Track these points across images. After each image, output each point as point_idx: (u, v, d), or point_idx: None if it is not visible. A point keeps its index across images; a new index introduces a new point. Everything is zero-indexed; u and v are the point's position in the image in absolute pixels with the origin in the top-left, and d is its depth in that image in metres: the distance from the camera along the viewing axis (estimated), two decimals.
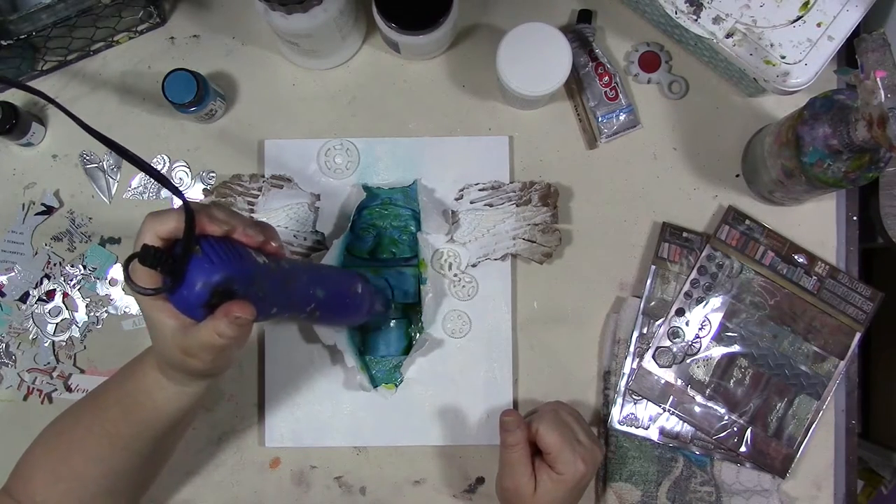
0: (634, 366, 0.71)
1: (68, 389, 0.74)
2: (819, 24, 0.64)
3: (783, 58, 0.64)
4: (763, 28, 0.65)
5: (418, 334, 0.73)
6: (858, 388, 0.73)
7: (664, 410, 0.71)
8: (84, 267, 0.75)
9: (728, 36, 0.65)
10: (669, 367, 0.71)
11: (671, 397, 0.70)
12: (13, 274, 0.75)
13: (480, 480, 0.73)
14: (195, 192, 0.75)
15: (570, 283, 0.73)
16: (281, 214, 0.72)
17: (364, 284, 0.63)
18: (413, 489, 0.73)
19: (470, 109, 0.75)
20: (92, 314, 0.75)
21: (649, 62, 0.74)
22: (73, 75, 0.76)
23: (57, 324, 0.75)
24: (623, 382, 0.71)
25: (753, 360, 0.70)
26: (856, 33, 0.63)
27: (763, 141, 0.68)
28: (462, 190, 0.73)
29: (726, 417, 0.70)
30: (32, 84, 0.76)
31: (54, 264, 0.75)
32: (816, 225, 0.73)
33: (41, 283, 0.75)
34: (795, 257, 0.71)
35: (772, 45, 0.64)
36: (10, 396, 0.74)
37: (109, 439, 0.56)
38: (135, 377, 0.55)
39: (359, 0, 0.72)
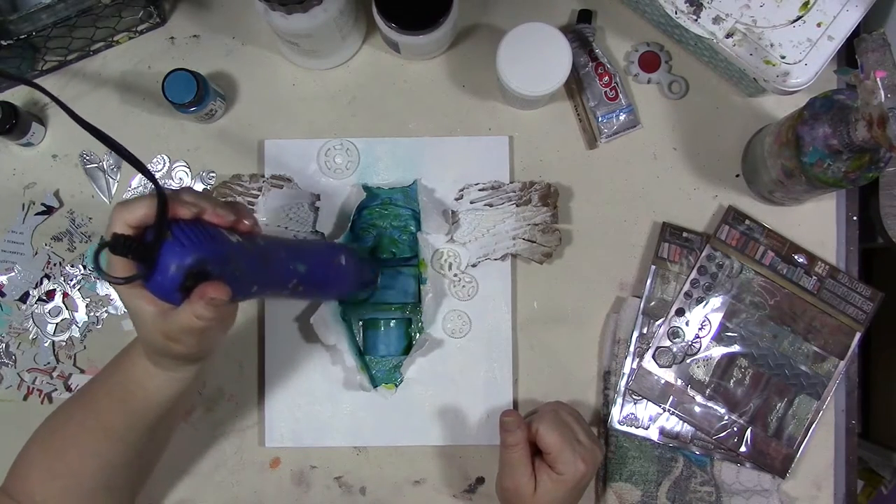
0: (634, 366, 0.71)
1: (68, 389, 0.74)
2: (819, 24, 0.64)
3: (783, 58, 0.64)
4: (763, 28, 0.65)
5: (418, 334, 0.73)
6: (858, 388, 0.73)
7: (664, 410, 0.71)
8: (84, 267, 0.75)
9: (728, 36, 0.65)
10: (669, 367, 0.71)
11: (671, 397, 0.70)
12: (13, 274, 0.75)
13: (480, 480, 0.73)
14: None
15: (570, 283, 0.73)
16: (281, 214, 0.72)
17: (348, 255, 0.62)
18: (413, 489, 0.73)
19: (470, 109, 0.75)
20: (92, 314, 0.75)
21: (649, 62, 0.74)
22: (73, 75, 0.76)
23: (57, 324, 0.75)
24: (623, 382, 0.71)
25: (753, 360, 0.70)
26: (856, 33, 0.63)
27: (763, 141, 0.68)
28: (462, 190, 0.73)
29: (726, 417, 0.70)
30: None
31: (54, 264, 0.75)
32: (816, 225, 0.73)
33: (41, 283, 0.75)
34: (795, 257, 0.71)
35: (772, 45, 0.64)
36: (10, 396, 0.74)
37: (103, 432, 0.56)
38: (124, 368, 0.56)
39: (359, 0, 0.72)
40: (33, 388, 0.74)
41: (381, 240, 0.74)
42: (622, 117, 0.73)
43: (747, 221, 0.72)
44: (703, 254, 0.71)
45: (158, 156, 0.75)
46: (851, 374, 0.72)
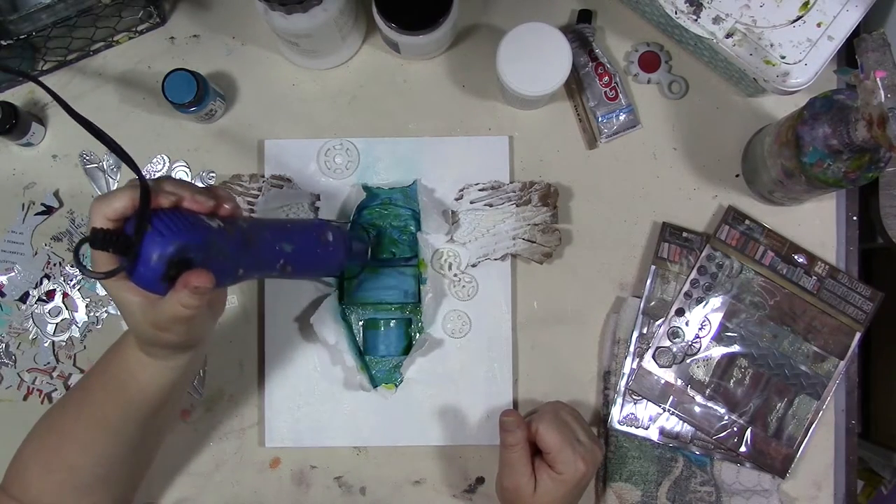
0: (634, 366, 0.71)
1: (68, 389, 0.74)
2: (819, 24, 0.64)
3: (783, 58, 0.64)
4: (763, 28, 0.65)
5: (418, 334, 0.73)
6: (858, 388, 0.73)
7: (664, 410, 0.71)
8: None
9: (728, 36, 0.65)
10: (669, 367, 0.71)
11: (671, 397, 0.70)
12: (13, 274, 0.75)
13: (480, 480, 0.73)
14: None
15: (570, 283, 0.73)
16: (281, 214, 0.72)
17: (336, 232, 0.62)
18: (413, 489, 0.73)
19: (470, 109, 0.75)
20: (92, 314, 0.75)
21: (649, 62, 0.74)
22: (73, 75, 0.76)
23: (57, 324, 0.75)
24: (623, 382, 0.71)
25: (753, 360, 0.70)
26: (856, 33, 0.63)
27: (763, 141, 0.68)
28: (462, 190, 0.73)
29: (726, 417, 0.70)
30: (32, 84, 0.76)
31: (54, 264, 0.75)
32: (816, 225, 0.73)
33: (41, 283, 0.75)
34: (795, 257, 0.71)
35: (772, 45, 0.64)
36: (10, 396, 0.74)
37: (99, 425, 0.56)
38: (117, 360, 0.56)
39: (359, 0, 0.72)
40: (33, 388, 0.74)
41: (381, 240, 0.74)
42: (622, 117, 0.73)
43: (747, 221, 0.72)
44: (703, 254, 0.71)
45: (158, 156, 0.75)
46: (851, 374, 0.72)
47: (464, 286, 0.73)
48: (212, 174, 0.75)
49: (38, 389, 0.74)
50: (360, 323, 0.74)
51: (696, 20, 0.65)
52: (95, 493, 0.58)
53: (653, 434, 0.71)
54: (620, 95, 0.73)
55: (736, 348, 0.70)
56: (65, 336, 0.74)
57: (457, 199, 0.73)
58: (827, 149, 0.58)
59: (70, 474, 0.57)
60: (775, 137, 0.64)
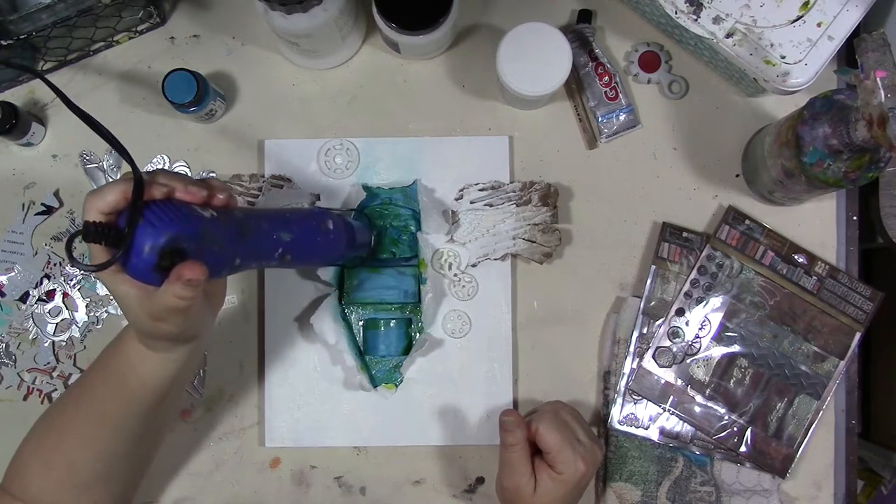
0: (634, 366, 0.71)
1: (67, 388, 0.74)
2: (819, 24, 0.64)
3: (783, 58, 0.64)
4: (763, 28, 0.65)
5: (418, 334, 0.73)
6: (858, 388, 0.73)
7: (664, 410, 0.71)
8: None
9: (728, 36, 0.65)
10: (669, 367, 0.71)
11: (671, 397, 0.70)
12: (13, 274, 0.75)
13: (480, 480, 0.73)
14: None
15: (570, 283, 0.73)
16: None
17: (336, 220, 0.62)
18: (413, 489, 0.73)
19: (470, 109, 0.75)
20: (92, 314, 0.75)
21: (649, 62, 0.74)
22: (73, 75, 0.76)
23: (57, 324, 0.75)
24: (623, 382, 0.71)
25: (753, 360, 0.70)
26: (856, 33, 0.63)
27: (763, 141, 0.68)
28: (462, 190, 0.73)
29: (726, 417, 0.70)
30: (32, 83, 0.76)
31: (54, 264, 0.75)
32: (816, 225, 0.73)
33: (41, 283, 0.75)
34: (795, 257, 0.71)
35: (772, 45, 0.64)
36: (10, 396, 0.74)
37: (99, 420, 0.56)
38: (117, 354, 0.56)
39: (359, 0, 0.72)
40: (33, 388, 0.74)
41: (381, 240, 0.74)
42: (622, 117, 0.73)
43: (747, 221, 0.72)
44: (703, 254, 0.71)
45: (158, 155, 0.75)
46: (851, 374, 0.72)
47: (464, 286, 0.73)
48: (212, 174, 0.75)
49: (38, 389, 0.74)
50: (360, 323, 0.74)
51: (697, 20, 0.65)
52: (95, 491, 0.58)
53: (653, 434, 0.71)
54: (620, 95, 0.73)
55: (736, 348, 0.70)
56: (65, 336, 0.74)
57: (457, 199, 0.73)
58: (827, 149, 0.58)
59: (70, 472, 0.57)
60: (775, 137, 0.64)
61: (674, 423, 0.71)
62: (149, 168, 0.75)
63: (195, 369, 0.73)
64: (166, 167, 0.75)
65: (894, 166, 0.64)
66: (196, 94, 0.69)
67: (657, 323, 0.71)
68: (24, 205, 0.75)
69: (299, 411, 0.73)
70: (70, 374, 0.74)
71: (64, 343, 0.75)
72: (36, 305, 0.75)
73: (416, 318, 0.73)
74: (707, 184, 0.74)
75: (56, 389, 0.74)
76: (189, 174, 0.75)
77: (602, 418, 0.72)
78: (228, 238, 0.49)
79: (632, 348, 0.71)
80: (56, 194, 0.75)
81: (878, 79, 0.52)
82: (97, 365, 0.58)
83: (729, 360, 0.70)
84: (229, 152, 0.75)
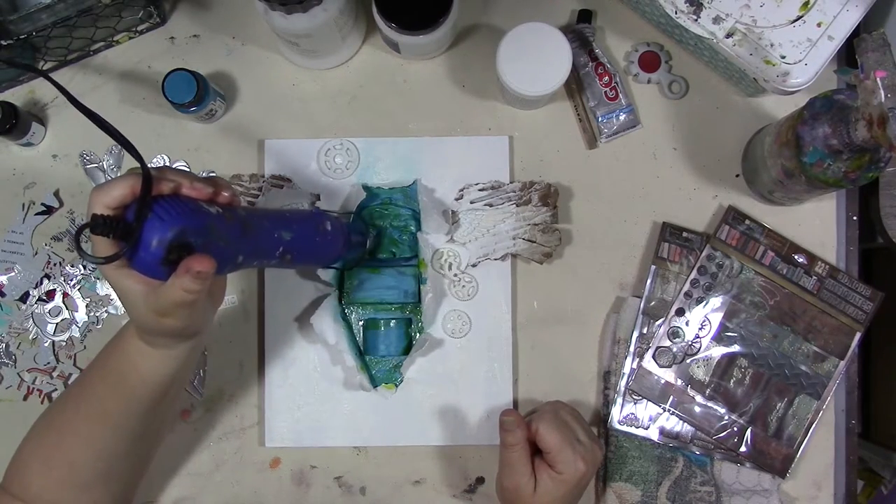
0: (634, 366, 0.71)
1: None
2: (819, 24, 0.64)
3: (783, 58, 0.64)
4: (763, 28, 0.65)
5: (418, 334, 0.73)
6: (858, 388, 0.73)
7: (664, 410, 0.71)
8: (84, 267, 0.75)
9: (728, 36, 0.65)
10: (669, 367, 0.71)
11: (671, 397, 0.70)
12: (13, 274, 0.75)
13: (480, 480, 0.73)
14: None
15: (570, 283, 0.73)
16: None
17: (334, 222, 0.63)
18: (413, 489, 0.73)
19: (470, 109, 0.75)
20: (92, 314, 0.75)
21: (649, 62, 0.74)
22: (74, 75, 0.76)
23: (57, 324, 0.75)
24: (623, 382, 0.71)
25: (753, 360, 0.70)
26: (856, 33, 0.63)
27: (763, 141, 0.68)
28: (462, 190, 0.73)
29: (726, 417, 0.70)
30: (32, 83, 0.76)
31: (54, 264, 0.75)
32: (816, 225, 0.73)
33: (41, 283, 0.75)
34: (795, 257, 0.71)
35: (772, 45, 0.64)
36: (10, 396, 0.74)
37: (99, 419, 0.56)
38: (117, 352, 0.56)
39: (359, 0, 0.72)
40: (33, 388, 0.74)
41: (381, 240, 0.74)
42: (622, 117, 0.73)
43: (747, 221, 0.72)
44: (703, 254, 0.71)
45: (158, 155, 0.75)
46: (851, 374, 0.72)
47: (464, 286, 0.73)
48: (212, 174, 0.75)
49: (38, 389, 0.74)
50: (360, 323, 0.74)
51: (697, 20, 0.65)
52: (95, 490, 0.58)
53: (653, 434, 0.71)
54: (620, 95, 0.73)
55: (736, 348, 0.70)
56: (65, 336, 0.74)
57: (457, 199, 0.73)
58: (827, 149, 0.58)
59: (70, 470, 0.57)
60: (775, 137, 0.64)
61: (674, 423, 0.71)
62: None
63: (195, 368, 0.73)
64: None
65: (894, 166, 0.64)
66: (196, 94, 0.69)
67: (657, 323, 0.71)
68: (24, 205, 0.75)
69: (299, 411, 0.73)
70: (70, 374, 0.74)
71: (64, 343, 0.75)
72: (36, 305, 0.75)
73: (416, 318, 0.73)
74: (707, 184, 0.74)
75: (56, 389, 0.74)
76: None
77: (602, 418, 0.72)
78: (233, 235, 0.50)
79: (632, 348, 0.71)
80: (56, 194, 0.75)
81: (878, 79, 0.52)
82: (97, 363, 0.58)
83: (729, 360, 0.70)
84: (229, 152, 0.75)
